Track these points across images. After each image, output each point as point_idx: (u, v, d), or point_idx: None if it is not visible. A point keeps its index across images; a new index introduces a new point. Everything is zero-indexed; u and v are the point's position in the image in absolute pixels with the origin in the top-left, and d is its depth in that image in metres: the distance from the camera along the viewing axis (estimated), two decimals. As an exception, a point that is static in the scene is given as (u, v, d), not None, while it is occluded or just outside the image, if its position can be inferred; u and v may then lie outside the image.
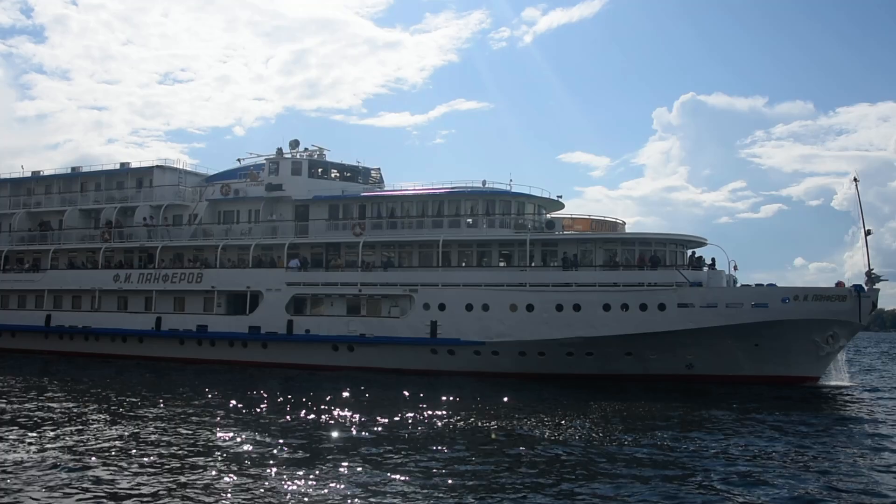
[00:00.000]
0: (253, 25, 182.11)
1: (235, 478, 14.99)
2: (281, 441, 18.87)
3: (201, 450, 17.73)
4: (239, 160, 47.14)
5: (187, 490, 14.09)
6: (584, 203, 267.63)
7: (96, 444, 18.10)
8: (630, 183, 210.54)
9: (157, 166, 48.12)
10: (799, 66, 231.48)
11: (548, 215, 40.30)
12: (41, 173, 53.54)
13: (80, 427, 20.43)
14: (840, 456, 18.22)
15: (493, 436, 20.08)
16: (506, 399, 27.36)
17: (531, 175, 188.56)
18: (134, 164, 49.67)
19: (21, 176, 53.76)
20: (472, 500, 13.72)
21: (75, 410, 23.71)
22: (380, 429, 20.92)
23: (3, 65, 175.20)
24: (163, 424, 21.12)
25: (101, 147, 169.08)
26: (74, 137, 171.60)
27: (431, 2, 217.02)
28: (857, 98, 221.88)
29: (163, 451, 17.37)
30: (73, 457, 16.57)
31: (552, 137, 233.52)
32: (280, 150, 44.41)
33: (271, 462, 16.46)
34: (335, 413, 23.59)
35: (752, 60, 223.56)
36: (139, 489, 14.06)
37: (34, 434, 19.22)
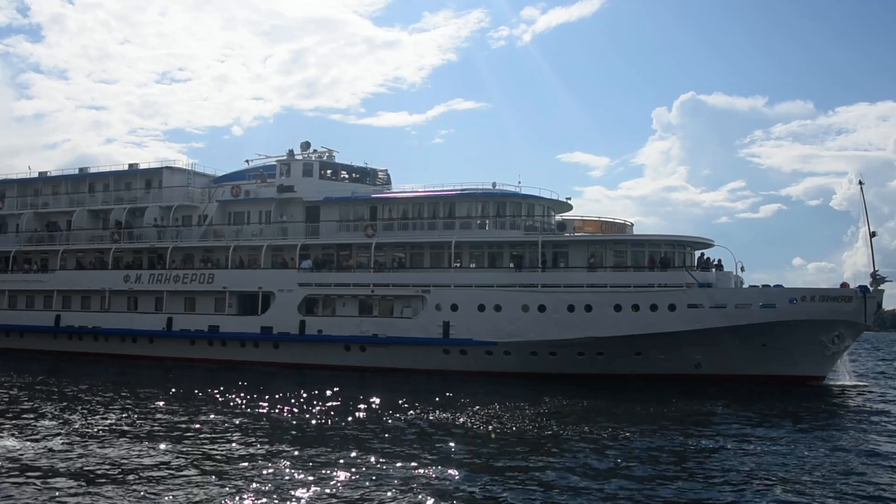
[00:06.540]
0: (251, 25, 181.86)
1: (244, 477, 15.31)
2: (292, 440, 19.34)
3: (216, 449, 18.05)
4: (247, 161, 47.59)
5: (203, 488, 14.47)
6: (583, 203, 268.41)
7: (101, 444, 18.41)
8: (629, 183, 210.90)
9: (166, 167, 48.45)
10: (799, 65, 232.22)
11: (557, 216, 40.89)
12: (48, 174, 53.74)
13: (84, 427, 20.71)
14: (841, 454, 18.68)
15: (493, 435, 20.43)
16: (516, 399, 27.75)
17: (531, 175, 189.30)
18: (143, 166, 49.96)
19: (28, 176, 53.94)
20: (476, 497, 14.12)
21: (80, 409, 24.08)
22: (387, 429, 21.34)
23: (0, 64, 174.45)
24: (174, 424, 21.49)
25: (100, 147, 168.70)
26: (72, 137, 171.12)
27: (430, 1, 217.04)
28: (857, 98, 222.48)
29: (173, 450, 17.73)
30: (77, 456, 16.87)
31: (551, 137, 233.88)
32: (291, 152, 44.82)
33: (280, 461, 16.80)
34: (343, 413, 24.02)
35: (752, 60, 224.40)
36: (143, 489, 14.30)
37: (36, 434, 19.45)
